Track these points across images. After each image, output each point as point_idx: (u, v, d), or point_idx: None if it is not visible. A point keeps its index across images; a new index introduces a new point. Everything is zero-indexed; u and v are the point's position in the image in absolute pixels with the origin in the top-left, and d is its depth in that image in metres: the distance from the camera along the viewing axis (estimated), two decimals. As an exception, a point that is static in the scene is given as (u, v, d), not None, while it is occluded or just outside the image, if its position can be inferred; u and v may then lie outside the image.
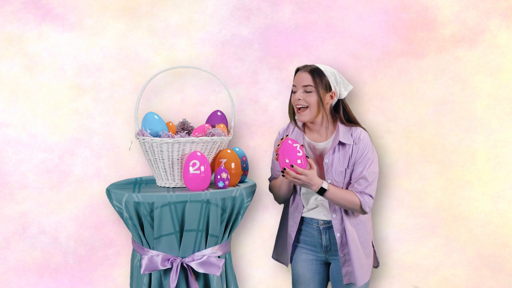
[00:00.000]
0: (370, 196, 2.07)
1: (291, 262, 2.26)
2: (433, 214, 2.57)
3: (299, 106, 2.08)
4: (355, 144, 2.08)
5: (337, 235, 2.11)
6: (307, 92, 2.06)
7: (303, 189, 2.16)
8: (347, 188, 2.10)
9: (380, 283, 2.59)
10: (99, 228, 2.57)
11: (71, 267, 2.56)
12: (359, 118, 2.52)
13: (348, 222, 2.11)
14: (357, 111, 2.53)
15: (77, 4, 2.52)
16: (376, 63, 2.56)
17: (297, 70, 2.12)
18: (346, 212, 2.11)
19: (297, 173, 1.97)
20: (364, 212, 2.09)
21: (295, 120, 2.19)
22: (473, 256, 2.57)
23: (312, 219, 2.17)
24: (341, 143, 2.09)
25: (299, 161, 1.98)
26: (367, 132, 2.15)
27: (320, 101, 2.06)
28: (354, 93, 2.54)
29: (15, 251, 2.53)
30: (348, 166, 2.08)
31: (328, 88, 2.07)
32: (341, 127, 2.11)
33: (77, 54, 2.53)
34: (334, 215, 2.11)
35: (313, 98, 2.05)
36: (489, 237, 2.56)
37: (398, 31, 2.55)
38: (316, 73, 2.06)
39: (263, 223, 2.58)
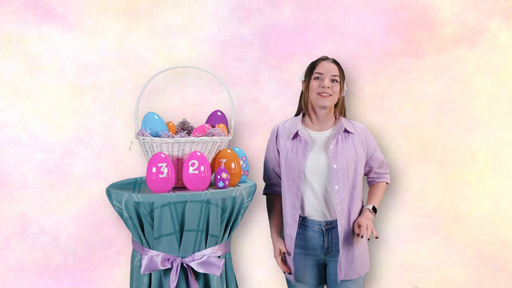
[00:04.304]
0: (387, 173, 2.33)
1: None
2: (433, 214, 2.57)
3: (325, 94, 2.14)
4: (360, 134, 2.20)
5: (339, 228, 2.11)
6: (334, 81, 2.15)
7: (307, 187, 2.15)
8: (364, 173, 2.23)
9: (380, 283, 2.60)
10: (99, 228, 2.57)
11: (71, 267, 2.56)
12: (359, 118, 2.53)
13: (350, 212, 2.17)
14: (357, 111, 2.53)
15: (77, 4, 2.52)
16: (376, 63, 2.56)
17: (321, 59, 2.19)
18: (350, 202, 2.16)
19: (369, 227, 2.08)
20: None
21: (305, 109, 2.22)
22: (473, 256, 2.57)
23: (313, 221, 2.16)
24: (346, 131, 2.17)
25: None
26: None
27: (340, 91, 2.18)
28: (354, 93, 2.54)
29: (15, 251, 2.53)
30: (356, 154, 2.15)
31: (344, 80, 2.21)
32: (343, 119, 2.22)
33: (77, 54, 2.53)
34: (339, 208, 2.11)
35: (337, 88, 2.16)
36: (489, 237, 2.56)
37: (398, 31, 2.55)
38: (339, 65, 2.19)
39: (263, 223, 2.58)
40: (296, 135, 2.17)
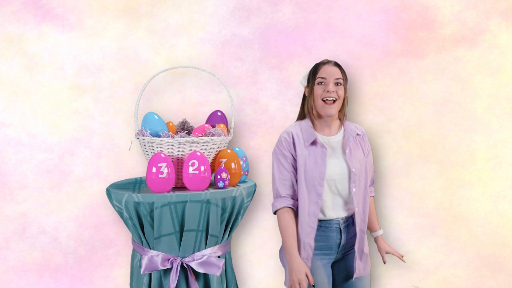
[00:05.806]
0: (372, 184, 2.34)
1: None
2: (433, 214, 2.57)
3: (331, 99, 2.09)
4: (362, 136, 2.20)
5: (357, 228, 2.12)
6: (338, 85, 2.11)
7: (327, 191, 2.11)
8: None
9: (380, 283, 2.60)
10: (99, 228, 2.57)
11: (71, 267, 2.56)
12: (359, 118, 2.54)
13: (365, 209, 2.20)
14: (357, 111, 2.53)
15: (77, 4, 2.52)
16: (376, 63, 2.56)
17: (322, 63, 2.13)
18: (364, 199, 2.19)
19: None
20: None
21: (310, 114, 2.17)
22: (473, 256, 2.57)
23: (331, 221, 2.12)
24: (357, 134, 2.18)
25: None
26: None
27: (344, 94, 2.14)
28: (354, 93, 2.54)
29: (15, 251, 2.53)
30: (364, 155, 2.17)
31: (347, 82, 2.18)
32: (347, 121, 2.19)
33: (77, 54, 2.53)
34: (356, 209, 2.11)
35: (342, 91, 2.11)
36: (489, 237, 2.56)
37: (398, 31, 2.55)
38: (341, 67, 2.15)
39: (263, 223, 2.58)
40: (313, 142, 2.10)
